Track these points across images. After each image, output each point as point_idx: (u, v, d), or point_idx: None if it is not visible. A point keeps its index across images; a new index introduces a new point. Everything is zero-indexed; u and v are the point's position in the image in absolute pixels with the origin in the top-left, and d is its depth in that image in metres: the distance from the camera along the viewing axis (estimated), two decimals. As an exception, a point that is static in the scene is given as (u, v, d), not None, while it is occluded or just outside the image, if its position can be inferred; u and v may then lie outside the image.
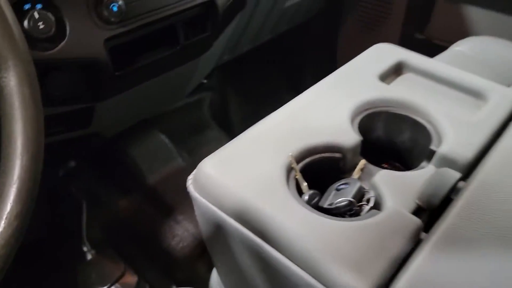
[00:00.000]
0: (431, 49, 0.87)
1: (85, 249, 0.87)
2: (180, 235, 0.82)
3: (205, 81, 1.12)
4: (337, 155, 0.45)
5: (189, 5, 0.68)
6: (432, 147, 0.46)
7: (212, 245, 0.47)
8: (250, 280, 0.44)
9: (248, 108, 1.22)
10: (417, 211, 0.39)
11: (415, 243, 0.36)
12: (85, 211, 0.90)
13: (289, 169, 0.43)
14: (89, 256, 0.86)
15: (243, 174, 0.41)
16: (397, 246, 0.35)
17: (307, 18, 1.24)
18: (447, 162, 0.43)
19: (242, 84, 1.19)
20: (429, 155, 0.46)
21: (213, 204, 0.41)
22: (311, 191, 0.43)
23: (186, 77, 0.89)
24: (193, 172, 0.44)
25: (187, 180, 0.44)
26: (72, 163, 0.94)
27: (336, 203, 0.41)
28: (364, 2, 1.27)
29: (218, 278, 0.57)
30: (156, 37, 0.68)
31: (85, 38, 0.56)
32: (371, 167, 0.46)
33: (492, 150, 0.44)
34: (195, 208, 0.45)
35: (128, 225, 0.90)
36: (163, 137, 0.94)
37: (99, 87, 0.64)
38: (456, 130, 0.46)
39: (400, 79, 0.57)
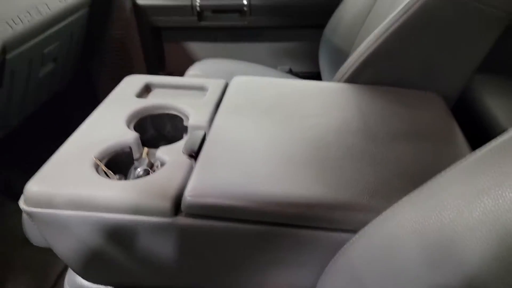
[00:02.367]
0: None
1: None
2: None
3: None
4: (127, 149, 0.64)
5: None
6: (185, 124, 0.70)
7: (61, 245, 0.58)
8: (101, 254, 0.58)
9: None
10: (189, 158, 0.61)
11: (191, 170, 0.58)
12: None
13: (96, 166, 0.59)
14: None
15: (63, 179, 0.56)
16: (181, 174, 0.56)
17: (65, 85, 1.38)
18: (196, 128, 0.68)
19: (25, 157, 1.23)
20: (185, 130, 0.70)
21: (49, 208, 0.54)
22: (118, 175, 0.61)
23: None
24: (22, 196, 0.55)
25: (19, 204, 0.55)
26: None
27: (136, 174, 0.60)
28: (108, 64, 1.49)
29: (72, 277, 0.67)
30: None
31: None
32: (153, 150, 0.67)
33: (216, 114, 0.71)
34: (36, 224, 0.56)
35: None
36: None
37: None
38: (194, 110, 0.72)
39: (151, 94, 0.80)
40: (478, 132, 0.80)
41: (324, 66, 1.26)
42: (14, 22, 0.92)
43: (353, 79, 0.80)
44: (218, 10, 1.38)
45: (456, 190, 0.38)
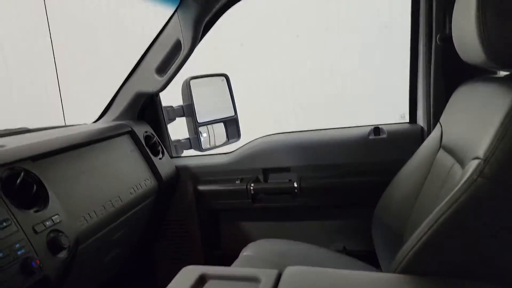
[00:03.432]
0: (230, 260, 1.18)
1: None
2: None
3: None
4: None
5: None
6: None
7: None
8: None
9: None
10: None
11: None
12: None
13: None
14: None
15: None
16: None
17: (126, 267, 1.45)
18: None
19: None
20: None
21: None
22: None
23: None
24: None
25: None
26: None
27: None
28: (168, 245, 1.58)
29: None
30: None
31: None
32: None
33: None
34: None
35: None
36: None
37: None
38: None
39: (206, 285, 0.82)
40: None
41: (378, 245, 1.24)
42: (90, 216, 1.04)
43: (409, 269, 0.78)
44: (271, 192, 1.48)
45: None
